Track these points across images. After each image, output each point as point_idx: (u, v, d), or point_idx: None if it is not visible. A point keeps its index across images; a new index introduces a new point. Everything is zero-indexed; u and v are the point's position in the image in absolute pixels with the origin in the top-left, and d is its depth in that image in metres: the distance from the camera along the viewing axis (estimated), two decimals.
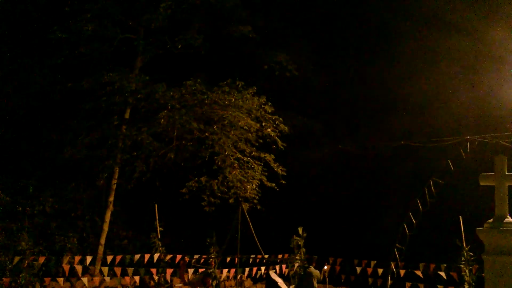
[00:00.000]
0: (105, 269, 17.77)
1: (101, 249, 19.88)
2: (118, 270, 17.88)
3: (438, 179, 15.85)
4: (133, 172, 20.14)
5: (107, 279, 17.77)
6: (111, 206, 20.53)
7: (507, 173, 10.73)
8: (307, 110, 29.06)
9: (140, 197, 23.17)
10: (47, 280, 16.71)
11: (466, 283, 17.52)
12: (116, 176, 20.84)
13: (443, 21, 26.43)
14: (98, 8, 20.88)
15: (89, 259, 17.94)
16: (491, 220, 10.62)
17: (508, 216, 10.55)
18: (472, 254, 17.37)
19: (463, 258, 17.58)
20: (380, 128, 28.40)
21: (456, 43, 26.07)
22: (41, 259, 16.90)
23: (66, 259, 18.28)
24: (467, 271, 17.53)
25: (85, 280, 17.13)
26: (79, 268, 17.07)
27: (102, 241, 20.07)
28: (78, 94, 20.71)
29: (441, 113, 26.35)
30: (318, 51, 29.20)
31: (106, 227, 20.31)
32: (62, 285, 16.91)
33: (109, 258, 18.18)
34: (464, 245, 17.67)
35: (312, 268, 16.09)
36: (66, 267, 17.01)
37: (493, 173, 10.86)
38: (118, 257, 18.26)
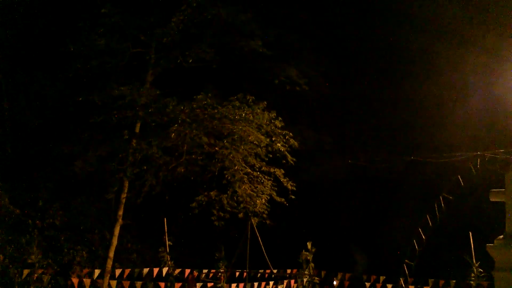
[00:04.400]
0: (114, 283, 17.77)
1: (109, 262, 19.82)
2: (126, 284, 17.87)
3: (448, 195, 15.76)
4: (143, 186, 20.12)
5: None
6: (120, 220, 20.49)
7: None
8: (318, 125, 29.07)
9: (150, 211, 23.17)
10: None
11: None
12: (126, 190, 20.80)
13: (454, 35, 26.41)
14: (111, 23, 20.95)
15: (97, 272, 17.92)
16: (502, 236, 10.56)
17: None
18: (482, 270, 17.28)
19: (472, 274, 17.48)
20: (391, 143, 28.36)
21: (467, 58, 26.04)
22: (50, 272, 16.90)
23: (75, 273, 18.29)
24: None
25: None
26: (87, 282, 17.06)
27: (111, 254, 20.00)
28: (89, 107, 20.75)
29: (453, 128, 26.27)
30: (330, 65, 29.20)
31: (115, 241, 20.26)
32: None
33: (118, 272, 18.17)
34: (474, 261, 17.57)
35: None
36: (75, 280, 17.01)
37: (503, 189, 10.82)
38: (127, 271, 18.26)
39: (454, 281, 19.42)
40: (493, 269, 10.60)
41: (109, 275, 19.22)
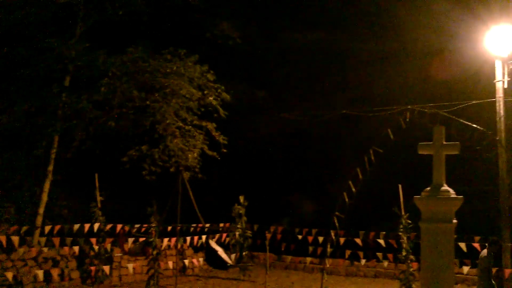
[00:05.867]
0: (43, 240, 17.49)
1: (39, 219, 19.53)
2: (56, 240, 17.63)
3: (378, 148, 15.95)
4: (73, 140, 19.80)
5: (45, 249, 17.50)
6: (50, 176, 20.13)
7: (444, 143, 10.90)
8: (251, 79, 29.03)
9: (81, 167, 22.80)
10: None
11: (404, 249, 17.85)
12: (56, 145, 20.41)
13: None
14: None
15: (26, 229, 17.62)
16: (428, 188, 10.79)
17: (444, 185, 10.73)
18: (410, 221, 17.67)
19: (401, 226, 17.88)
20: (326, 98, 28.52)
21: (400, 14, 26.28)
22: None
23: (2, 230, 17.93)
24: (405, 238, 17.84)
25: (21, 251, 16.83)
26: (15, 239, 16.73)
27: (41, 211, 19.68)
28: (15, 60, 20.16)
29: (387, 83, 26.61)
30: (263, 19, 29.06)
31: (45, 197, 19.94)
32: None
33: (47, 228, 17.90)
34: (403, 213, 17.95)
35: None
36: (2, 238, 16.65)
37: (431, 143, 11.03)
38: (57, 227, 18.00)
39: (383, 232, 19.84)
40: (420, 220, 10.83)
41: (38, 232, 18.94)
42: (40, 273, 16.79)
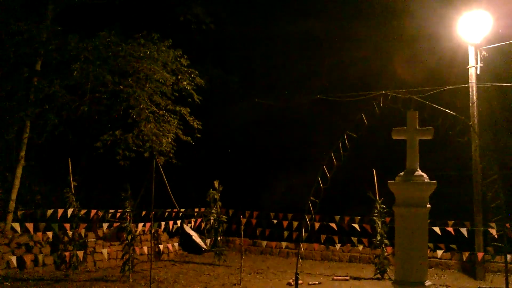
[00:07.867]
0: (16, 225, 17.33)
1: (12, 204, 19.31)
2: (30, 226, 17.50)
3: (352, 133, 15.99)
4: (45, 125, 19.59)
5: (17, 235, 17.37)
6: (22, 161, 19.89)
7: (418, 128, 10.98)
8: (224, 64, 28.95)
9: (54, 152, 22.63)
10: None
11: (378, 234, 18.01)
12: (28, 130, 20.18)
13: None
14: None
15: None
16: (402, 173, 10.87)
17: (418, 169, 10.81)
18: (384, 206, 17.81)
19: (376, 211, 18.04)
20: (301, 83, 28.52)
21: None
22: None
23: None
24: (379, 223, 18.00)
25: None
26: None
27: (14, 196, 19.44)
28: None
29: (363, 69, 26.66)
30: (237, 5, 28.93)
31: (17, 182, 19.70)
32: None
33: (20, 214, 17.76)
34: (377, 198, 18.09)
35: None
36: None
37: (405, 128, 11.11)
38: (29, 212, 17.87)
39: (358, 217, 19.98)
40: (394, 205, 10.92)
41: (11, 217, 18.76)
42: (14, 259, 16.68)
